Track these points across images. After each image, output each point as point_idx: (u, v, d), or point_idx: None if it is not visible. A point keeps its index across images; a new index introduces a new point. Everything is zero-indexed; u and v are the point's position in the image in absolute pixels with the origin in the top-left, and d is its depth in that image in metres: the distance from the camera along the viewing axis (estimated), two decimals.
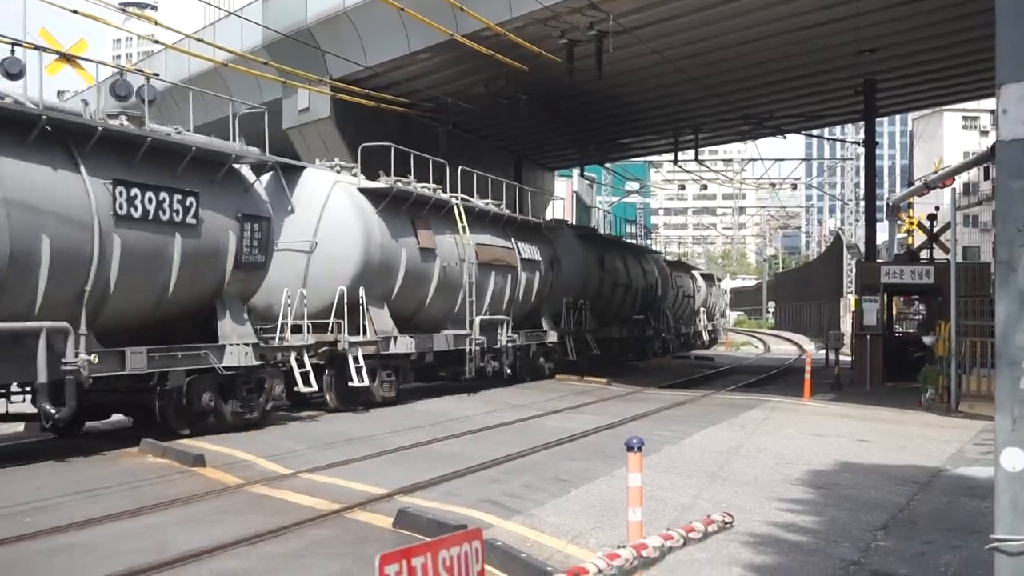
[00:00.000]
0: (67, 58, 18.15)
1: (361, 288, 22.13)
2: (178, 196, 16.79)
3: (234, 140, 19.09)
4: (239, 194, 18.80)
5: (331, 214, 22.15)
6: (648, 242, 58.40)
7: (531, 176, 49.29)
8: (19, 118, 14.42)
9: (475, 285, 26.56)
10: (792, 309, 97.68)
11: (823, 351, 41.25)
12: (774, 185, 69.29)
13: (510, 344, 28.85)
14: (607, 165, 57.71)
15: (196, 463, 14.48)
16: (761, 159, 58.82)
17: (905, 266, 30.89)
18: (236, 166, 19.04)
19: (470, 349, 26.33)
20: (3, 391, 15.55)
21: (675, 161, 49.17)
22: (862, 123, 42.04)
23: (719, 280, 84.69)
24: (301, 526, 10.65)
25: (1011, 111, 4.68)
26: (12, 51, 15.36)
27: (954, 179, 38.33)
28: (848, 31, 28.66)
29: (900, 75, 35.17)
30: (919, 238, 37.18)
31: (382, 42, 29.96)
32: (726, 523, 6.57)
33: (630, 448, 7.17)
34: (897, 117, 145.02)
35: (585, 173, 60.17)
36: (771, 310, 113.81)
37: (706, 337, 65.98)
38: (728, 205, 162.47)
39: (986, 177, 68.24)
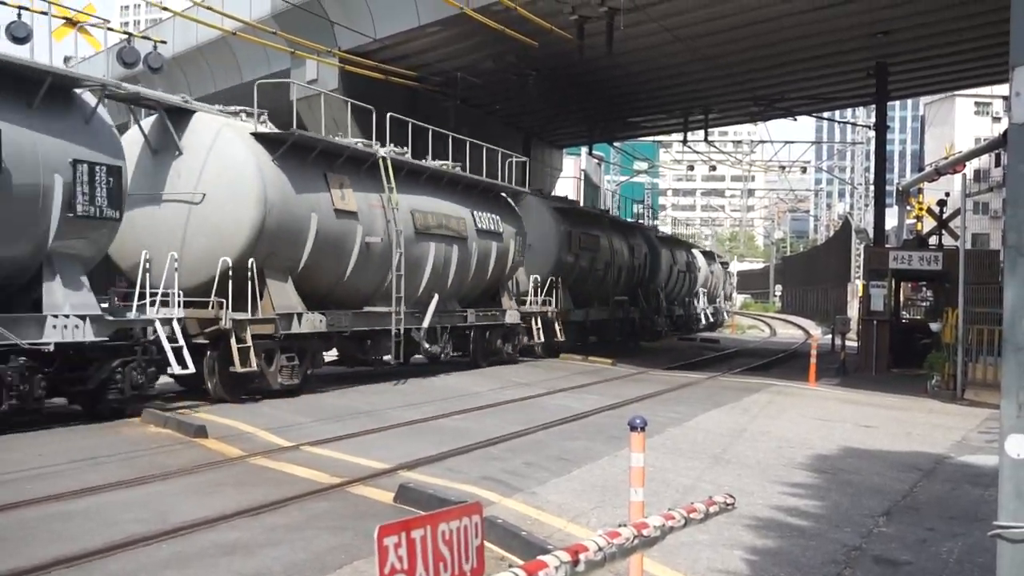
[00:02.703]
0: (74, 23, 18.06)
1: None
2: None
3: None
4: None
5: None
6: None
7: (539, 153, 49.18)
8: None
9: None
10: (799, 293, 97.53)
11: (829, 336, 41.18)
12: (783, 168, 69.10)
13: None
14: (616, 144, 57.45)
15: (198, 434, 14.46)
16: (771, 141, 58.62)
17: (914, 252, 30.78)
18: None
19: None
20: None
21: (684, 141, 49.01)
22: (873, 107, 41.84)
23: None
24: (302, 499, 10.62)
25: None
26: (19, 15, 15.30)
27: (965, 165, 38.28)
28: (862, 12, 28.51)
29: (913, 58, 34.97)
30: (928, 224, 37.12)
31: (392, 14, 29.81)
32: (728, 505, 6.50)
33: (633, 428, 7.08)
34: (909, 101, 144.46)
35: (593, 152, 60.01)
36: (778, 294, 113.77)
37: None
38: (737, 187, 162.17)
39: (997, 164, 68.00)
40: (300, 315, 19.75)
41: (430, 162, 25.42)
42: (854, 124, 75.89)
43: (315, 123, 24.26)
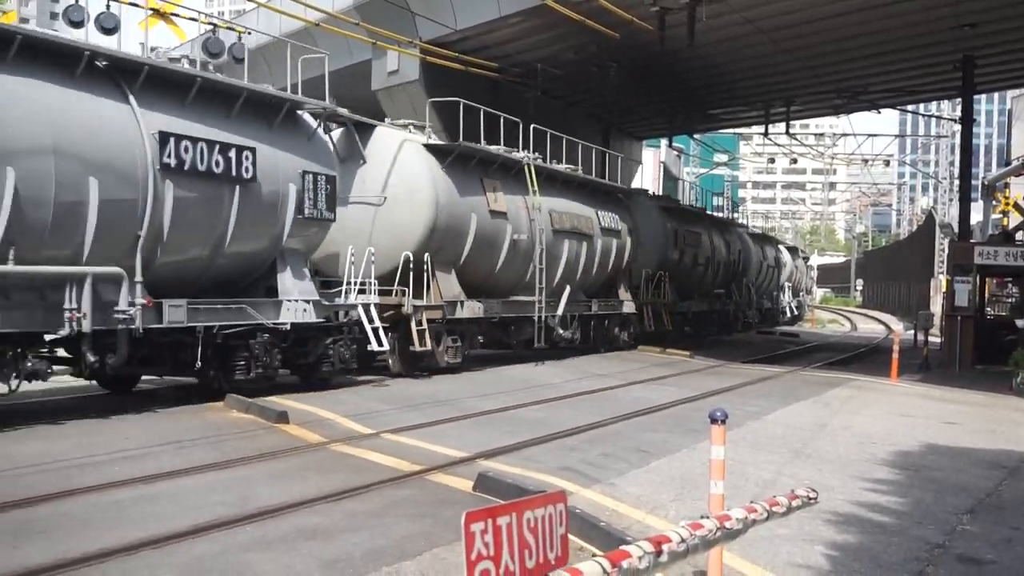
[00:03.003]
0: (161, 14, 18.34)
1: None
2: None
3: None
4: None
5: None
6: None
7: (619, 145, 48.93)
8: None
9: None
10: (880, 288, 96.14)
11: (911, 331, 40.58)
12: (866, 161, 68.05)
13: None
14: (696, 136, 57.06)
15: (279, 419, 14.65)
16: (854, 134, 57.79)
17: (999, 247, 30.22)
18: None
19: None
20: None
21: (765, 134, 48.46)
22: (959, 100, 41.07)
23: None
24: (382, 485, 10.72)
25: None
26: (107, 6, 15.57)
27: None
28: (948, 4, 27.97)
29: (1000, 51, 34.22)
30: (1015, 219, 36.39)
31: (473, 5, 29.89)
32: (811, 499, 6.45)
33: (713, 420, 7.06)
34: (995, 95, 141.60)
35: (673, 144, 59.61)
36: (859, 288, 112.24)
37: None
38: (818, 180, 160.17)
39: None
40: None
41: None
42: (939, 117, 74.38)
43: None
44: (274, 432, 14.04)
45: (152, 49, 16.45)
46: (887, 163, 71.14)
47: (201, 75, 16.06)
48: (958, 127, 42.96)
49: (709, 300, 42.48)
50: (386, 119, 23.49)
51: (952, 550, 8.94)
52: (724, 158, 71.63)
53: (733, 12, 27.20)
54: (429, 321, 21.52)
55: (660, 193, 54.90)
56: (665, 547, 4.86)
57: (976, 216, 45.79)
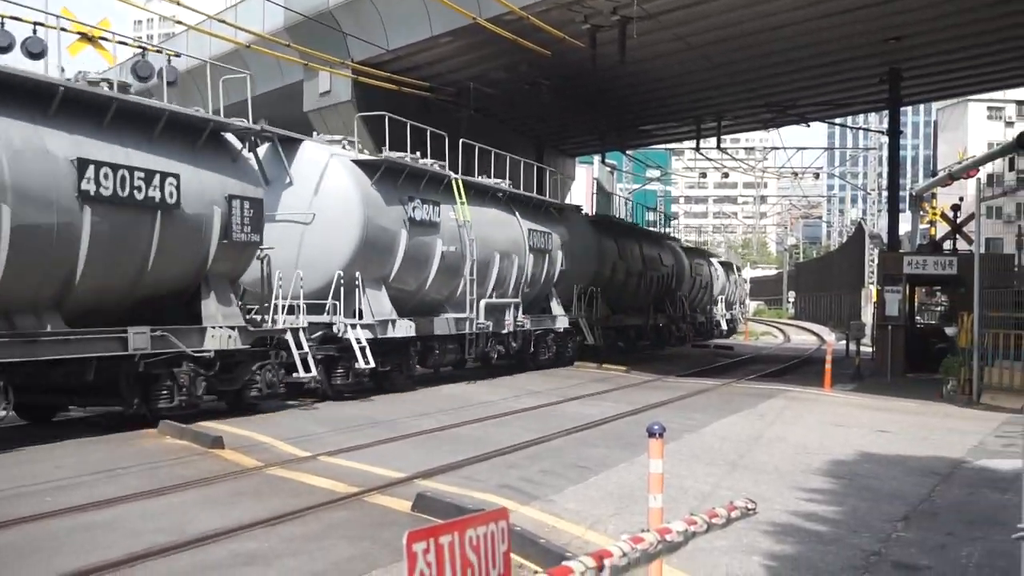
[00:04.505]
0: (89, 38, 18.14)
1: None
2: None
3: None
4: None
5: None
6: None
7: (552, 162, 49.11)
8: None
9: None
10: (812, 299, 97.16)
11: (843, 342, 41.06)
12: (796, 174, 68.90)
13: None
14: (628, 152, 57.42)
15: (215, 445, 14.48)
16: (784, 148, 58.44)
17: (928, 256, 30.74)
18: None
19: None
20: None
21: (697, 148, 48.87)
22: (886, 112, 41.76)
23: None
24: (320, 508, 10.64)
25: None
26: (34, 30, 15.39)
27: (978, 170, 38.16)
28: (874, 19, 28.47)
29: (925, 64, 34.86)
30: (942, 229, 36.96)
31: (404, 25, 29.90)
32: (749, 510, 6.49)
33: (651, 434, 7.10)
34: (921, 107, 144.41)
35: (606, 160, 59.95)
36: (791, 300, 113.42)
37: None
38: (749, 194, 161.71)
39: (1011, 168, 67.74)
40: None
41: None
42: (867, 130, 75.65)
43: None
44: (209, 457, 13.88)
45: (78, 74, 16.23)
46: (817, 176, 72.17)
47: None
48: (886, 139, 43.73)
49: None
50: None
51: (888, 557, 9.05)
52: (656, 173, 72.17)
53: (664, 29, 27.46)
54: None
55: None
56: (607, 562, 4.87)
57: (905, 226, 46.50)
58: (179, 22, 26.24)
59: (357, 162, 22.12)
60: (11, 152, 13.84)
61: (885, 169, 55.35)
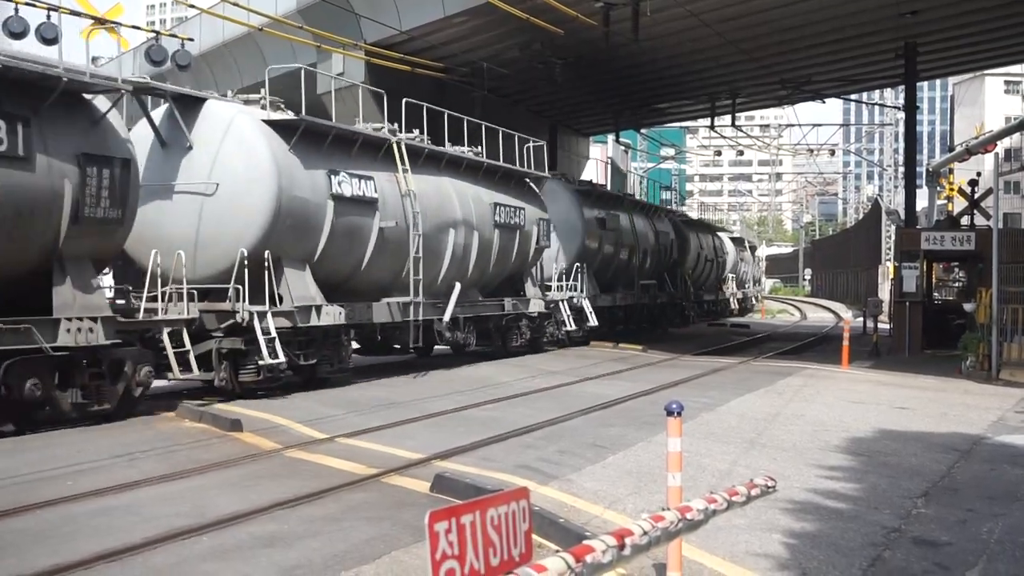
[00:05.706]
0: (102, 23, 18.11)
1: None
2: None
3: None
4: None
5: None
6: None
7: (566, 141, 49.13)
8: None
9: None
10: (829, 276, 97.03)
11: (860, 319, 40.93)
12: (811, 151, 68.64)
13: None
14: (642, 131, 57.28)
15: (233, 428, 14.54)
16: (799, 124, 58.34)
17: (946, 232, 30.56)
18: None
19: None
20: None
21: (711, 127, 48.76)
22: (902, 88, 41.49)
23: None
24: (339, 490, 10.67)
25: None
26: (48, 16, 15.37)
27: (996, 144, 37.81)
28: None
29: (942, 38, 34.66)
30: (959, 204, 36.79)
31: (417, 6, 29.83)
32: (769, 487, 6.48)
33: (669, 413, 7.08)
34: (937, 82, 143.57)
35: (620, 139, 59.84)
36: (807, 278, 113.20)
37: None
38: (765, 171, 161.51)
39: None
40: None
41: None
42: (883, 106, 75.24)
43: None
44: (228, 440, 13.93)
45: (94, 58, 16.20)
46: (832, 152, 71.79)
47: None
48: (902, 115, 43.43)
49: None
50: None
51: (908, 534, 9.02)
52: (671, 152, 72.00)
53: (677, 6, 27.31)
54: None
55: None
56: (628, 540, 4.86)
57: (922, 202, 46.36)
58: (192, 5, 26.17)
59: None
60: None
61: (901, 145, 55.05)
